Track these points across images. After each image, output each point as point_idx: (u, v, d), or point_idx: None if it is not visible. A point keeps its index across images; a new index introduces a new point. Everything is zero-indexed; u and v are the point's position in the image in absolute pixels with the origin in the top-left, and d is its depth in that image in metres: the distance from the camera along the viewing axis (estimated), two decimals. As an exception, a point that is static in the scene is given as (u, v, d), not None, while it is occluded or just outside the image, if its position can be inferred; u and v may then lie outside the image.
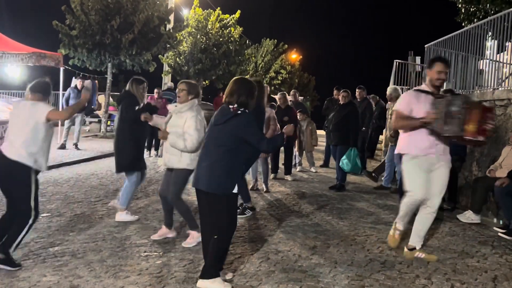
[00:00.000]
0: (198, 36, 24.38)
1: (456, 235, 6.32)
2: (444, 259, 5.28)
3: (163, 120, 5.76)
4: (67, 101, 13.19)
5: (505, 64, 10.33)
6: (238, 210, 6.65)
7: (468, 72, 10.14)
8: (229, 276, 4.52)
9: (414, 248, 5.25)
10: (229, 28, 25.16)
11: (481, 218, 6.96)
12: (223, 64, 24.47)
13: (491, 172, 7.02)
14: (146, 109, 6.34)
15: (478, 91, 9.09)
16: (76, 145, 13.20)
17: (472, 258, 5.36)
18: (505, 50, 10.10)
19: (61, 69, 14.62)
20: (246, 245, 5.56)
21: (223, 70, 24.31)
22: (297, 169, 11.55)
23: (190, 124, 5.31)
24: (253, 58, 36.40)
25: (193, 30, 24.41)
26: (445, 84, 6.15)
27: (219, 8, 25.46)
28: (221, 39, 24.66)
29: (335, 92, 12.39)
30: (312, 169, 11.65)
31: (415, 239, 5.29)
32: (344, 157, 8.90)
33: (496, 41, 10.24)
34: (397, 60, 14.38)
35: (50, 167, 10.20)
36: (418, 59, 15.00)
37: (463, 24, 15.56)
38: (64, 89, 14.27)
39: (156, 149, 13.06)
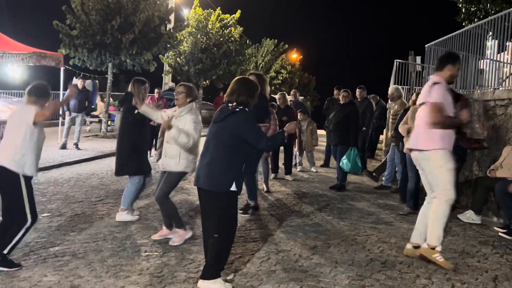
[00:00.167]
0: (199, 36, 24.38)
1: (456, 235, 6.32)
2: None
3: (154, 111, 5.79)
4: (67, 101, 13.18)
5: (505, 64, 10.32)
6: (241, 206, 6.71)
7: (469, 72, 10.13)
8: (230, 276, 4.52)
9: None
10: (229, 28, 25.17)
11: (481, 219, 6.95)
12: (224, 64, 24.47)
13: (492, 172, 7.02)
14: None
15: (478, 91, 9.08)
16: (76, 145, 13.20)
17: (472, 258, 5.36)
18: (506, 50, 10.09)
19: (62, 69, 14.63)
20: (246, 245, 5.56)
21: (223, 70, 24.31)
22: (298, 169, 11.56)
23: (190, 127, 5.35)
24: (253, 58, 36.42)
25: (194, 30, 24.42)
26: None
27: (219, 8, 25.47)
28: (221, 39, 24.66)
29: (335, 92, 12.39)
30: (313, 169, 11.65)
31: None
32: (344, 157, 8.90)
33: (496, 41, 10.23)
34: (397, 60, 14.35)
35: (50, 167, 10.26)
36: (418, 59, 14.98)
37: (463, 24, 15.55)
38: (65, 89, 14.28)
39: (156, 149, 13.05)
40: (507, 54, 10.34)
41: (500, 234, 6.35)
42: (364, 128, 11.86)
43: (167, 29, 18.49)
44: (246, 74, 6.76)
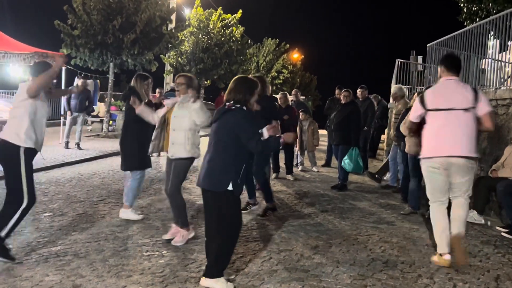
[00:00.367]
0: (200, 36, 24.41)
1: (458, 235, 6.30)
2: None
3: (150, 112, 5.78)
4: (68, 100, 13.18)
5: (507, 64, 10.31)
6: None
7: (470, 71, 10.12)
8: (232, 276, 4.53)
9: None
10: (230, 28, 25.19)
11: (484, 219, 6.94)
12: (225, 64, 24.49)
13: (493, 172, 7.02)
14: (148, 106, 6.33)
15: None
16: (78, 144, 13.22)
17: (474, 257, 5.35)
18: (507, 50, 10.08)
19: (63, 68, 14.65)
20: (248, 245, 5.56)
21: (224, 70, 24.34)
22: (299, 169, 11.55)
23: (197, 111, 5.41)
24: (254, 57, 36.45)
25: (195, 29, 24.45)
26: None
27: (220, 7, 25.50)
28: (222, 39, 24.68)
29: (337, 91, 12.38)
30: (314, 169, 11.65)
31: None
32: (345, 157, 8.89)
33: (498, 41, 10.21)
34: (399, 60, 14.35)
35: (52, 167, 10.26)
36: (420, 58, 14.96)
37: (465, 24, 15.54)
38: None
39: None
40: (509, 54, 10.32)
41: (502, 233, 6.34)
42: (365, 127, 11.85)
43: (169, 29, 18.51)
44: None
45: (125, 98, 6.66)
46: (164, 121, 5.67)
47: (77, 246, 5.31)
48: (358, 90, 12.19)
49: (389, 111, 12.61)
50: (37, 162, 5.59)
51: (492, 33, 10.10)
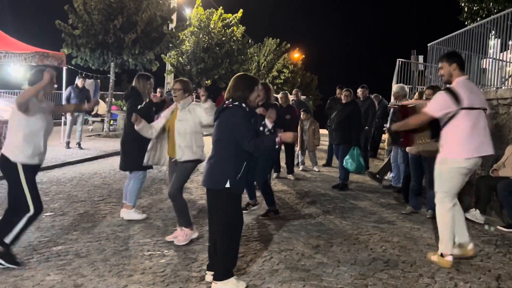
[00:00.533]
0: (201, 36, 24.43)
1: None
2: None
3: (149, 128, 5.67)
4: (67, 100, 13.18)
5: (508, 63, 10.31)
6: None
7: (471, 71, 10.12)
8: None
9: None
10: (231, 27, 25.20)
11: (485, 219, 6.93)
12: (226, 63, 24.50)
13: (494, 171, 7.01)
14: (149, 106, 6.33)
15: (481, 90, 9.07)
16: (79, 144, 13.23)
17: (475, 257, 5.34)
18: (508, 49, 10.08)
19: (64, 68, 14.66)
20: (249, 244, 5.56)
21: (225, 70, 24.35)
22: (300, 168, 11.55)
23: (207, 110, 5.42)
24: (255, 57, 36.44)
25: (196, 29, 24.46)
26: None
27: (221, 7, 25.51)
28: (223, 38, 24.69)
29: (337, 91, 12.36)
30: (315, 168, 11.65)
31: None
32: (347, 156, 8.88)
33: (499, 40, 10.21)
34: (400, 59, 14.33)
35: (52, 166, 10.27)
36: (421, 58, 14.94)
37: (466, 23, 15.52)
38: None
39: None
40: (510, 53, 10.32)
41: (499, 227, 6.36)
42: (366, 127, 11.85)
43: (169, 28, 18.50)
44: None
45: (127, 98, 6.66)
46: (164, 131, 5.66)
47: (78, 246, 5.32)
48: (359, 89, 12.18)
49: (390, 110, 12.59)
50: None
51: (493, 32, 10.10)
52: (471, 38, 10.22)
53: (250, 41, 28.69)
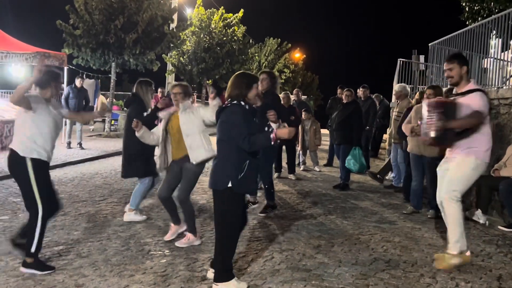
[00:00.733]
0: (202, 36, 24.43)
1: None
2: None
3: (150, 134, 5.66)
4: (66, 100, 13.16)
5: (509, 63, 10.31)
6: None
7: (472, 70, 10.10)
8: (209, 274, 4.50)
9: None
10: (232, 27, 25.20)
11: (486, 219, 6.92)
12: (227, 63, 24.51)
13: (496, 171, 7.01)
14: (155, 112, 6.33)
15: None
16: (80, 144, 13.25)
17: (476, 257, 5.34)
18: (509, 49, 10.08)
19: (65, 68, 14.67)
20: (250, 244, 5.56)
21: (226, 69, 24.35)
22: (301, 168, 11.55)
23: (203, 109, 5.44)
24: (256, 57, 36.44)
25: (197, 29, 24.47)
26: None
27: (222, 7, 25.51)
28: (224, 38, 24.70)
29: (338, 91, 12.37)
30: (316, 168, 11.65)
31: (449, 242, 5.05)
32: (349, 157, 8.88)
33: (500, 40, 10.21)
34: (401, 59, 14.33)
35: (54, 166, 10.27)
36: (422, 57, 14.95)
37: (467, 23, 15.54)
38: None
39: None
40: (511, 53, 10.32)
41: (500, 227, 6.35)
42: (367, 127, 11.85)
43: (170, 28, 18.52)
44: (258, 74, 6.75)
45: (128, 104, 6.63)
46: (166, 134, 5.63)
47: (80, 246, 5.33)
48: (360, 89, 12.18)
49: (391, 110, 12.60)
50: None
51: (494, 32, 10.09)
52: (472, 37, 10.21)
53: (251, 41, 28.68)
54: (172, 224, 5.74)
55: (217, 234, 4.26)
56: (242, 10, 25.57)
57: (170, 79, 24.86)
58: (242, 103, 4.19)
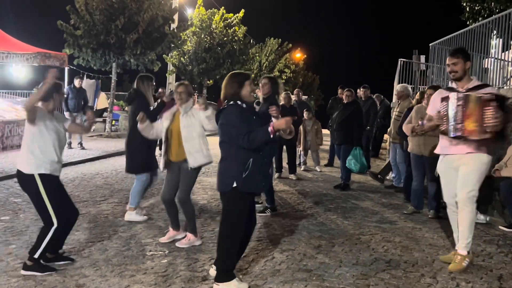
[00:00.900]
0: (202, 36, 24.44)
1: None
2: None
3: (151, 127, 5.65)
4: (65, 100, 13.15)
5: (510, 63, 10.30)
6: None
7: (473, 70, 10.11)
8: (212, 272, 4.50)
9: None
10: (233, 28, 25.21)
11: (486, 218, 6.92)
12: (227, 64, 24.51)
13: (496, 171, 7.00)
14: (160, 107, 6.35)
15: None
16: (81, 144, 13.26)
17: (477, 257, 5.34)
18: (510, 49, 10.07)
19: (66, 69, 14.71)
20: (250, 244, 5.55)
21: (227, 70, 24.33)
22: (302, 168, 11.55)
23: (209, 118, 5.39)
24: (257, 57, 36.45)
25: (197, 29, 24.48)
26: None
27: (223, 7, 25.53)
28: (225, 39, 24.70)
29: (339, 91, 12.38)
30: (317, 168, 11.64)
31: (459, 243, 5.03)
32: (350, 157, 8.87)
33: (501, 40, 10.22)
34: (401, 59, 14.33)
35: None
36: (422, 58, 14.96)
37: (467, 23, 15.53)
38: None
39: (161, 148, 13.09)
40: (512, 53, 10.31)
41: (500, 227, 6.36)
42: (368, 127, 11.85)
43: (171, 28, 18.53)
44: (260, 76, 6.78)
45: (130, 101, 6.62)
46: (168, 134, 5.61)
47: (80, 246, 5.33)
48: (361, 89, 12.17)
49: (392, 110, 12.60)
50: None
51: (494, 32, 10.09)
52: (473, 38, 10.22)
53: (251, 41, 28.69)
54: (170, 229, 5.73)
55: (220, 234, 4.27)
56: (242, 10, 25.59)
57: (171, 79, 24.87)
58: (239, 102, 4.20)
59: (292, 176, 10.28)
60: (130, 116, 6.56)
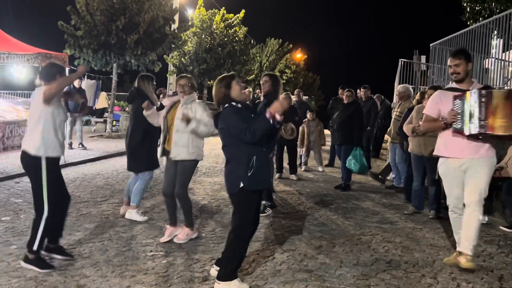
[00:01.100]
0: (203, 36, 24.43)
1: (462, 235, 6.29)
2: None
3: (157, 116, 5.80)
4: (65, 101, 13.17)
5: (510, 63, 10.30)
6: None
7: (474, 71, 10.11)
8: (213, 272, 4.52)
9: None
10: (233, 28, 25.20)
11: (487, 218, 6.92)
12: (228, 64, 24.50)
13: (497, 172, 6.99)
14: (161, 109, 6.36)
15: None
16: (81, 144, 13.26)
17: (478, 257, 5.34)
18: (511, 49, 10.07)
19: (67, 69, 14.70)
20: (251, 245, 5.55)
21: (228, 70, 24.32)
22: (302, 169, 11.55)
23: (202, 113, 5.42)
24: (258, 57, 36.45)
25: (198, 30, 24.47)
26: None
27: (223, 8, 25.51)
28: (225, 39, 24.69)
29: (340, 91, 12.38)
30: (320, 168, 11.64)
31: (465, 245, 4.92)
32: (350, 157, 8.87)
33: (501, 40, 10.22)
34: (402, 59, 14.34)
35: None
36: (423, 58, 14.97)
37: (468, 23, 15.53)
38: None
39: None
40: (512, 53, 10.31)
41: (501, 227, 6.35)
42: (368, 127, 11.84)
43: (172, 29, 18.55)
44: (261, 75, 6.77)
45: (131, 100, 6.62)
46: (166, 123, 5.65)
47: (81, 246, 5.33)
48: (361, 89, 12.17)
49: (392, 110, 12.60)
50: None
51: (495, 32, 10.10)
52: (473, 38, 10.22)
53: (252, 42, 28.71)
54: (167, 226, 5.74)
55: (231, 233, 4.30)
56: (243, 10, 25.58)
57: (172, 79, 24.87)
58: (233, 103, 4.24)
59: (293, 177, 10.28)
60: (131, 115, 6.58)
